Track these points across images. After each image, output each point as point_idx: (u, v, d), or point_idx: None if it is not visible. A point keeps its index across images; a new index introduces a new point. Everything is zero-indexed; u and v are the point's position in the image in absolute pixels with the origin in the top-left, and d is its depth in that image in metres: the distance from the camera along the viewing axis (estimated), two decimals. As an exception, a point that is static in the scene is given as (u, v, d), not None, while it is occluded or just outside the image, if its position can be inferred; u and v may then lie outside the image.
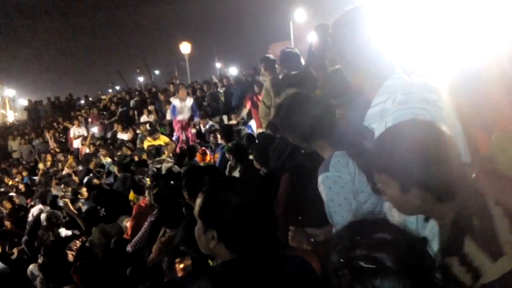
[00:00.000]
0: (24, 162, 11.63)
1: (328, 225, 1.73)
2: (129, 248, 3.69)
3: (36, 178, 9.67)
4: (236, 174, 4.26)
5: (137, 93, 15.04)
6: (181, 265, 1.71)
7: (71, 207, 4.66)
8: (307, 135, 1.68)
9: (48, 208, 5.79)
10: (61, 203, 4.85)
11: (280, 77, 4.84)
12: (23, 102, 27.78)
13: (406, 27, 1.55)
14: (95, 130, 11.47)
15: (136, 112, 11.72)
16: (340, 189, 1.57)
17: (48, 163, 10.25)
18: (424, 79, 1.41)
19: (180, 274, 1.67)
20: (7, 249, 5.41)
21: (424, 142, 1.06)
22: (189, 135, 8.40)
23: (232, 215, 1.17)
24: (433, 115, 1.27)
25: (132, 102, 12.84)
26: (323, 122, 1.66)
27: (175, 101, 8.47)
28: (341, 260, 0.87)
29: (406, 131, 1.10)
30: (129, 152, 7.92)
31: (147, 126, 9.37)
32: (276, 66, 5.11)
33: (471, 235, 1.00)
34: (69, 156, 10.04)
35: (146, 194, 4.00)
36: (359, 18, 1.39)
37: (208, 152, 6.12)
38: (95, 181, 5.82)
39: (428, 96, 1.33)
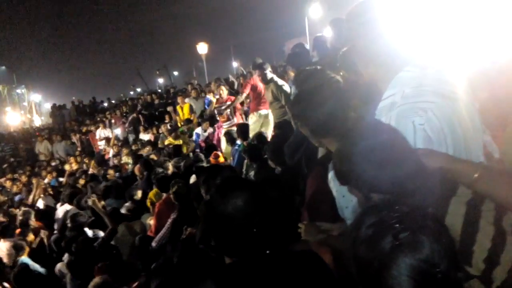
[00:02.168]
0: (52, 164, 12.01)
1: (340, 220, 1.75)
2: (153, 244, 3.82)
3: (63, 179, 9.99)
4: (253, 173, 4.31)
5: (156, 94, 15.23)
6: None
7: (99, 205, 4.76)
8: (318, 130, 1.66)
9: (74, 208, 6.00)
10: (89, 202, 4.97)
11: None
12: (49, 106, 28.63)
13: (422, 19, 1.50)
14: (118, 131, 11.74)
15: (157, 113, 11.92)
16: None
17: (73, 165, 10.58)
18: (440, 71, 1.36)
19: None
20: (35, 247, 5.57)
21: (368, 150, 1.09)
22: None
23: (216, 222, 1.19)
24: (442, 108, 1.24)
25: (156, 102, 13.05)
26: (337, 120, 1.61)
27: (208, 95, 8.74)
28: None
29: (352, 142, 1.15)
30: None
31: (168, 125, 9.55)
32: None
33: None
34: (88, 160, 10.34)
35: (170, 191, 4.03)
36: (372, 9, 1.37)
37: (220, 154, 6.16)
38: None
39: (441, 88, 1.29)
